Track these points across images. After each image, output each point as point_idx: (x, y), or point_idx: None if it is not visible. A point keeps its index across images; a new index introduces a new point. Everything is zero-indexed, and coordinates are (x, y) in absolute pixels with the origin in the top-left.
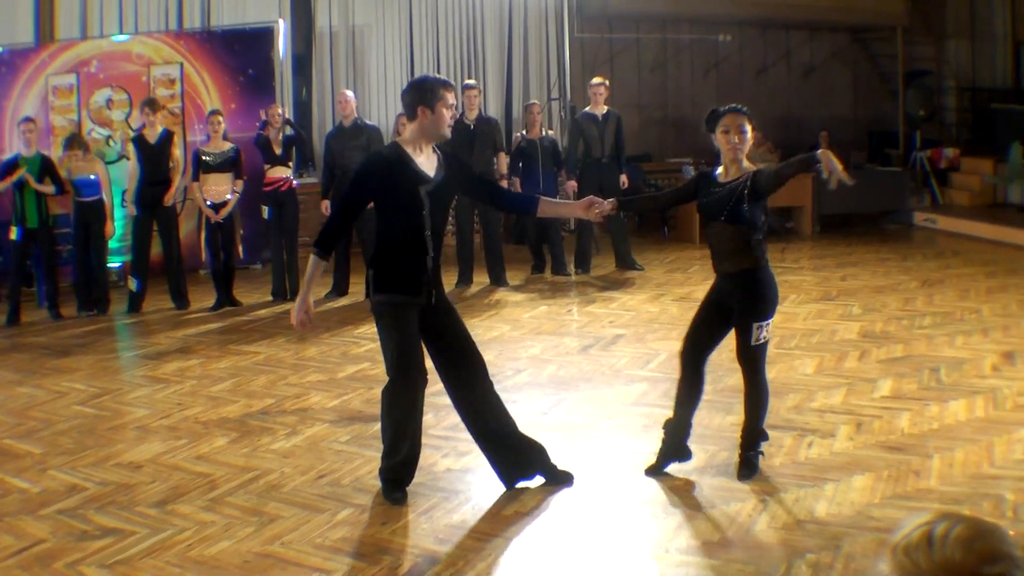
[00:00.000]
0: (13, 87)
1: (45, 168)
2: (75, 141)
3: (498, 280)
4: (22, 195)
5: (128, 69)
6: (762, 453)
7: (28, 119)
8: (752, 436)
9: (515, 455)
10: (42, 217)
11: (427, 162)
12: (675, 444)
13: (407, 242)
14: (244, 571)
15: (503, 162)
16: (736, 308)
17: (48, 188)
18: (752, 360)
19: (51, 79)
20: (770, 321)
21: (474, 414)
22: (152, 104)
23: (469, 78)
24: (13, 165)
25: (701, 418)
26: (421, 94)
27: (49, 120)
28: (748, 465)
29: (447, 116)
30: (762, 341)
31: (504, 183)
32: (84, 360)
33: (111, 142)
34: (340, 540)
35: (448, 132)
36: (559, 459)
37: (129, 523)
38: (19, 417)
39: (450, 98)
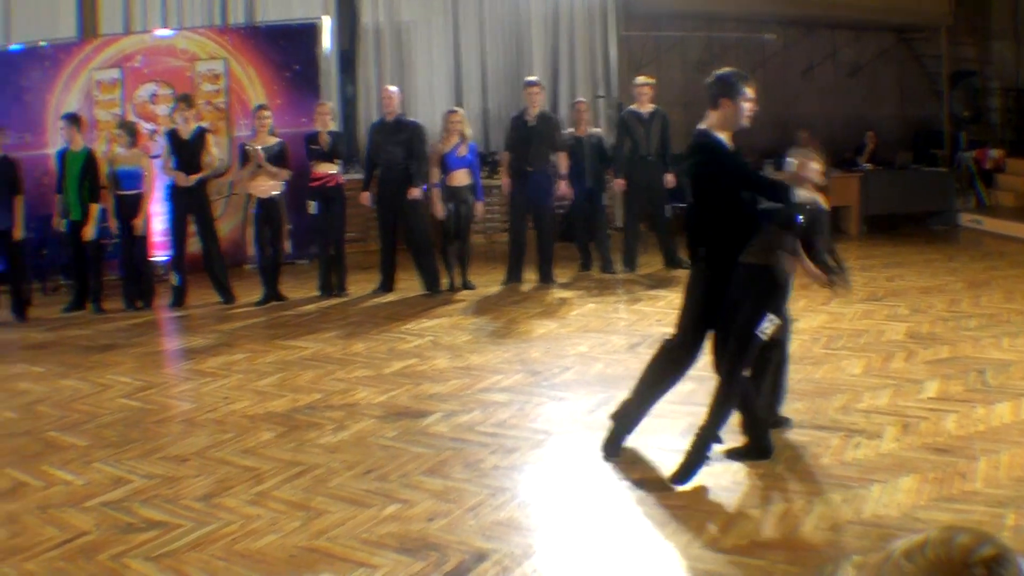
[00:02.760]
0: (56, 81)
1: (88, 164)
2: (124, 127)
3: (547, 277)
4: (65, 188)
5: (173, 64)
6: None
7: (66, 116)
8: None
9: None
10: (85, 210)
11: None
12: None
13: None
14: (290, 565)
15: (563, 161)
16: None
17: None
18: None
19: (94, 74)
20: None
21: None
22: (187, 100)
23: (519, 76)
24: (61, 159)
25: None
26: (725, 87)
27: (93, 115)
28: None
29: (746, 108)
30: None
31: (562, 184)
32: (129, 354)
33: (157, 137)
34: (386, 535)
35: (746, 122)
36: (600, 458)
37: (174, 516)
38: (64, 410)
39: (749, 92)
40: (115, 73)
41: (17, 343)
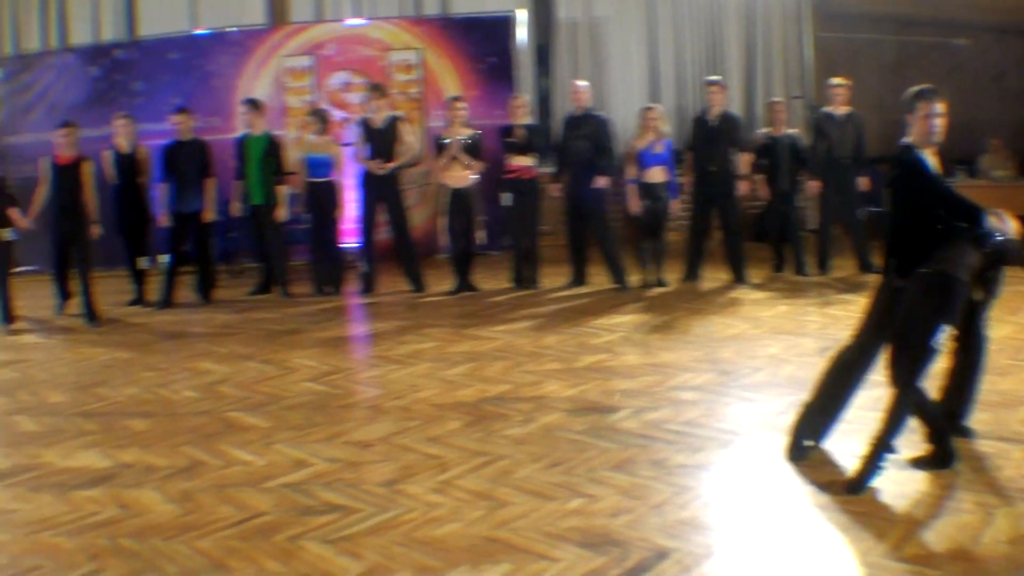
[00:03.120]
0: (245, 67)
1: (271, 148)
2: (316, 113)
3: (740, 278)
4: (246, 173)
5: (365, 53)
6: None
7: (246, 101)
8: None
9: None
10: (266, 195)
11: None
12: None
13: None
14: (470, 554)
15: (744, 161)
16: None
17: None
18: None
19: (285, 60)
20: None
21: None
22: (379, 89)
23: (714, 74)
24: (242, 144)
25: None
26: (907, 105)
27: (283, 101)
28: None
29: (936, 125)
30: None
31: (745, 184)
32: (316, 338)
33: (349, 125)
34: (569, 529)
35: (937, 139)
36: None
37: (355, 500)
38: (247, 391)
39: (938, 107)
40: (306, 60)
41: (202, 324)
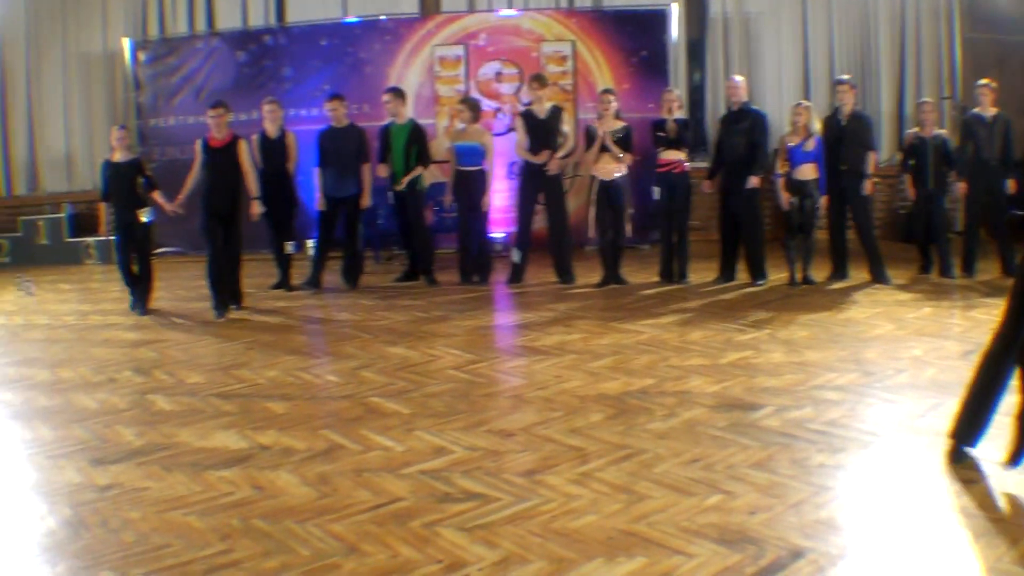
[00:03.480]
0: (397, 55)
1: (414, 136)
2: (467, 102)
3: (879, 277)
4: (391, 161)
5: (517, 44)
6: None
7: (391, 89)
8: None
9: None
10: (410, 183)
11: None
12: None
13: None
14: (606, 547)
15: (872, 161)
16: None
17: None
18: None
19: (437, 49)
20: None
21: None
22: (540, 79)
23: (865, 73)
24: (386, 132)
25: None
26: None
27: (434, 90)
28: None
29: None
30: None
31: (870, 183)
32: (461, 326)
33: (499, 115)
34: (706, 525)
35: None
36: (925, 463)
37: (494, 489)
38: (390, 377)
39: None
40: (458, 50)
41: (347, 310)
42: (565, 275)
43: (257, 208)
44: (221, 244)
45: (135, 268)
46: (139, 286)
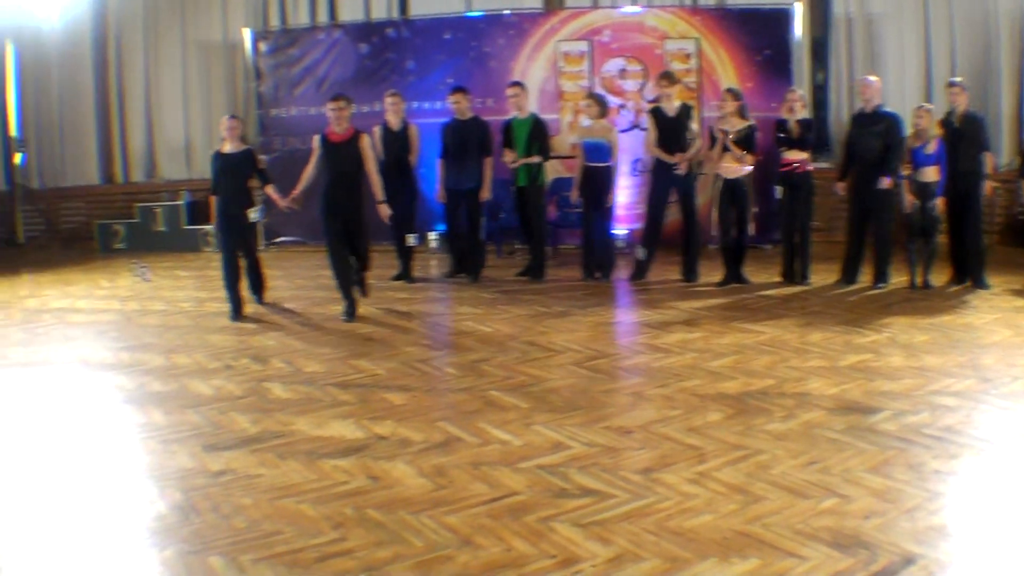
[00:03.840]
0: (521, 50)
1: (535, 131)
2: (594, 97)
3: (978, 281)
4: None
5: (641, 41)
6: None
7: (515, 83)
8: None
9: None
10: (530, 177)
11: None
12: None
13: None
14: (720, 547)
15: (990, 162)
16: None
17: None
18: None
19: (560, 45)
20: None
21: None
22: (669, 76)
23: (983, 75)
24: (508, 126)
25: None
26: None
27: (558, 85)
28: None
29: None
30: None
31: (987, 185)
32: (583, 322)
33: (623, 111)
34: (820, 528)
35: None
36: None
37: (610, 486)
38: (510, 371)
39: None
40: (582, 46)
41: (468, 302)
42: (690, 273)
43: (385, 211)
44: (343, 247)
45: (242, 265)
46: (248, 282)
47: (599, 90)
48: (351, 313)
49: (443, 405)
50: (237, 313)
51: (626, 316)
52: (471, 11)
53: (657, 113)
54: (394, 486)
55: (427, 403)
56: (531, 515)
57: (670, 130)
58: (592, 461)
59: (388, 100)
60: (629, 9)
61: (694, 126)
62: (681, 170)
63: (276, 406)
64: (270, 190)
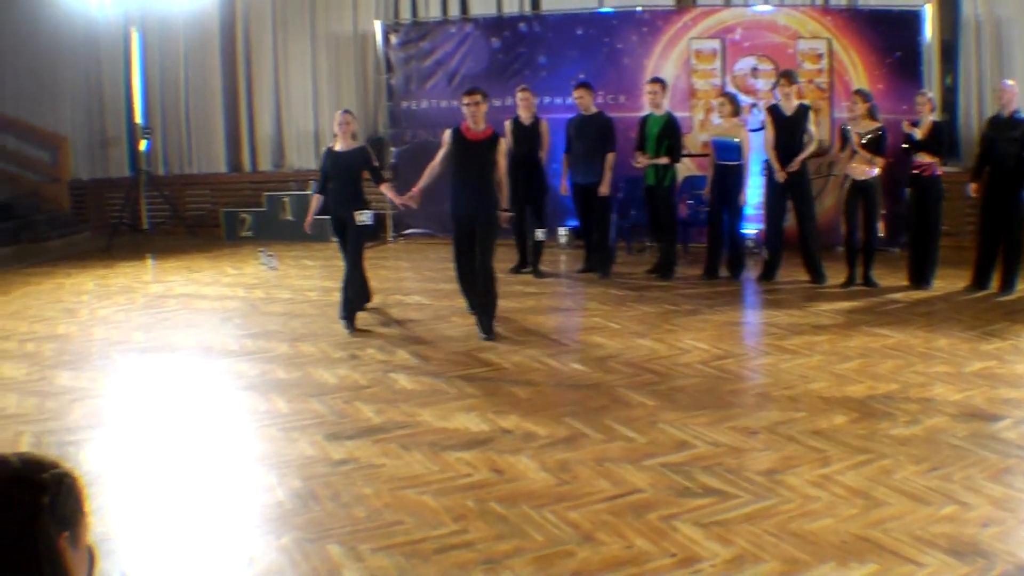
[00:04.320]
0: (654, 47)
1: (667, 129)
2: (726, 95)
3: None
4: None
5: (773, 40)
6: None
7: (655, 79)
8: None
9: None
10: (658, 176)
11: None
12: None
13: None
14: (839, 551)
15: None
16: None
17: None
18: None
19: (693, 43)
20: None
21: None
22: (789, 76)
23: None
24: (644, 123)
25: None
26: None
27: (690, 83)
28: None
29: None
30: None
31: None
32: (711, 321)
33: (754, 110)
34: (939, 535)
35: None
36: None
37: (733, 486)
38: (637, 368)
39: None
40: (714, 44)
41: (597, 298)
42: (816, 274)
43: (506, 217)
44: (469, 262)
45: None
46: (347, 291)
47: (731, 89)
48: (485, 330)
49: (569, 400)
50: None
51: (754, 316)
52: (603, 7)
53: (775, 112)
54: (517, 480)
55: (553, 398)
56: (653, 513)
57: (786, 130)
58: (716, 461)
59: (519, 95)
60: (761, 8)
61: (811, 127)
62: (794, 166)
63: (401, 397)
64: (385, 188)
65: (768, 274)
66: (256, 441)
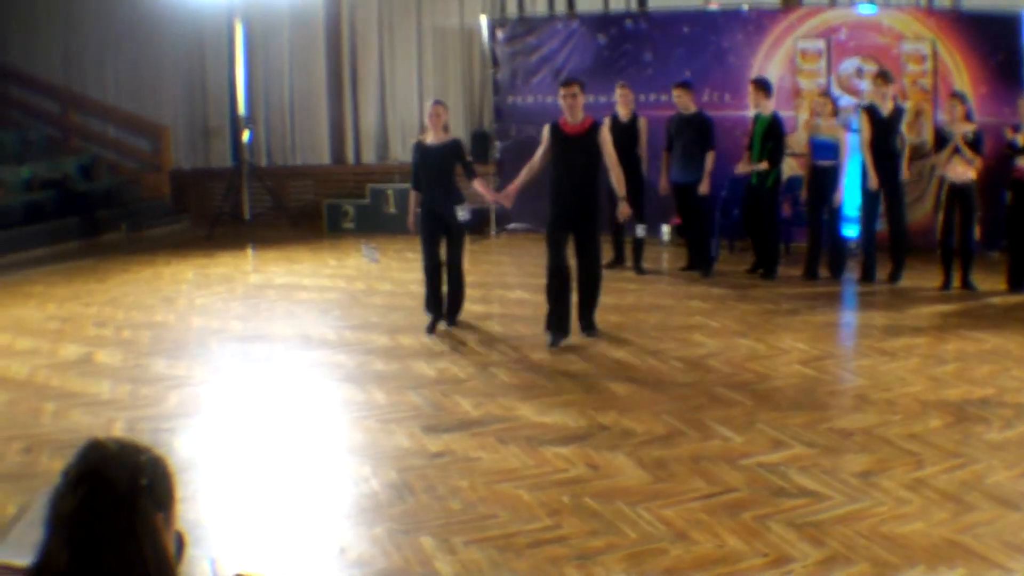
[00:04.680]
0: (759, 46)
1: (770, 130)
2: (827, 95)
3: None
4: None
5: (878, 41)
6: None
7: (756, 80)
8: None
9: None
10: (761, 176)
11: None
12: None
13: None
14: (929, 555)
15: None
16: None
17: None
18: None
19: (798, 42)
20: None
21: None
22: (885, 76)
23: None
24: (754, 123)
25: None
26: None
27: (795, 83)
28: None
29: None
30: None
31: None
32: (810, 322)
33: (857, 111)
34: None
35: None
36: None
37: (827, 488)
38: (736, 368)
39: None
40: (819, 44)
41: (698, 297)
42: (896, 274)
43: (627, 210)
44: (564, 271)
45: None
46: (446, 299)
47: (835, 90)
48: (586, 327)
49: (667, 398)
50: (433, 327)
51: (852, 317)
52: (708, 5)
53: (872, 112)
54: (613, 476)
55: (651, 395)
56: (747, 512)
57: (881, 131)
58: (812, 462)
59: (618, 91)
60: (866, 8)
61: (903, 128)
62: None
63: (500, 391)
64: (478, 184)
65: (868, 275)
66: (353, 432)
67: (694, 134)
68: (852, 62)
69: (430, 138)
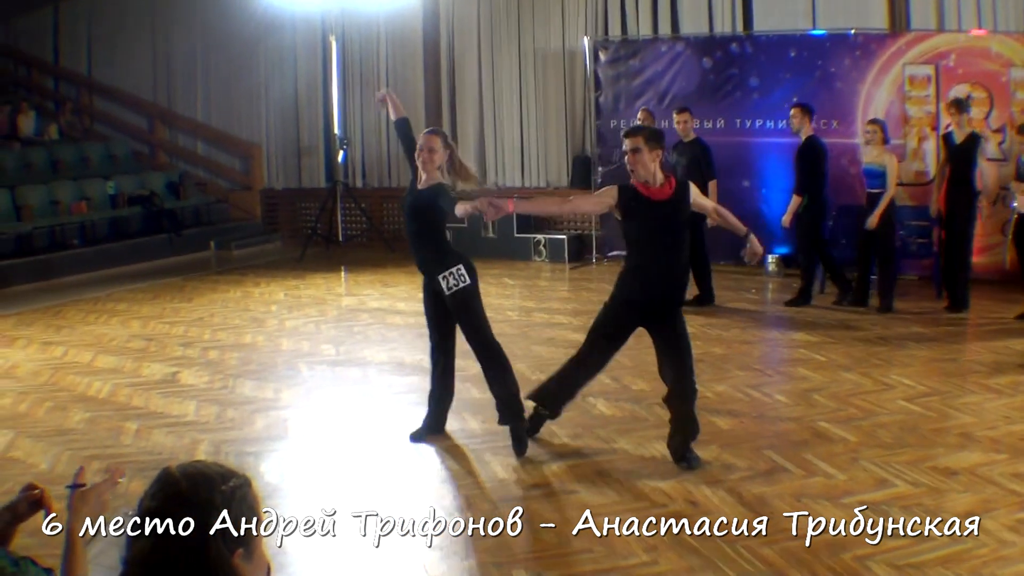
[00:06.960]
0: (867, 71)
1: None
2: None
3: None
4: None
5: (986, 67)
6: None
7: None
8: None
9: None
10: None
11: None
12: None
13: None
14: None
15: None
16: None
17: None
18: None
19: (907, 68)
20: None
21: None
22: (959, 104)
23: None
24: None
25: None
26: None
27: (904, 109)
28: None
29: None
30: None
31: None
32: (918, 356)
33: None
34: None
35: None
36: None
37: (930, 528)
38: (841, 403)
39: None
40: (927, 70)
41: (801, 328)
42: (957, 303)
43: (758, 248)
44: (612, 353)
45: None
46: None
47: (945, 117)
48: (679, 457)
49: (770, 433)
50: (420, 435)
51: (960, 352)
52: (815, 28)
53: (946, 140)
54: (713, 512)
55: (754, 430)
56: (848, 552)
57: (955, 159)
58: (915, 501)
59: (676, 116)
60: (976, 33)
61: (980, 159)
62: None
63: (599, 422)
64: (459, 209)
65: (958, 304)
66: (446, 460)
67: (692, 161)
68: (960, 89)
69: (421, 182)
